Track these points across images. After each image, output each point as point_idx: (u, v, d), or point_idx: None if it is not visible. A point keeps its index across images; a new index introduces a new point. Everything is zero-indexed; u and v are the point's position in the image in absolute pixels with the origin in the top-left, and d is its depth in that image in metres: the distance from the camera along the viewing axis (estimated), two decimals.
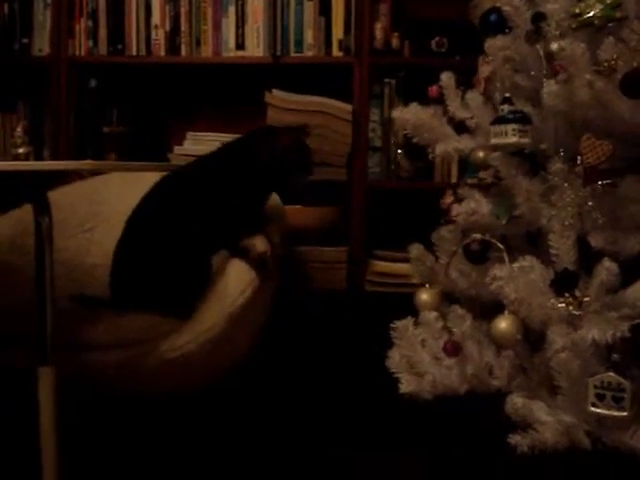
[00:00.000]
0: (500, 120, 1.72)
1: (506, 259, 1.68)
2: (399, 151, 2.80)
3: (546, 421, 1.55)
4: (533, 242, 1.81)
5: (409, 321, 1.92)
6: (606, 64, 1.53)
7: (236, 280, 1.99)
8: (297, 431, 2.27)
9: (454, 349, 1.78)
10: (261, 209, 2.19)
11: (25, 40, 2.87)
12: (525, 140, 1.69)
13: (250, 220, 2.14)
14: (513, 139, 1.69)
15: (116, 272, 2.10)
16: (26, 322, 1.73)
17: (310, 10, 2.80)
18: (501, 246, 1.73)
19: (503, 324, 1.61)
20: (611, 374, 1.47)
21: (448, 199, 2.00)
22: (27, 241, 2.13)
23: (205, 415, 2.24)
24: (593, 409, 1.49)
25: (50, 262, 1.68)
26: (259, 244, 2.07)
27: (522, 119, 1.69)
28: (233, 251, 2.05)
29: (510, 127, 1.69)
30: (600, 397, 1.48)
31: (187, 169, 2.17)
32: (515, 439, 1.57)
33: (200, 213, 2.05)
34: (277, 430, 2.28)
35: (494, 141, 1.73)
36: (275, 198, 2.33)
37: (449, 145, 1.92)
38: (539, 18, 1.72)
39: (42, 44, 2.88)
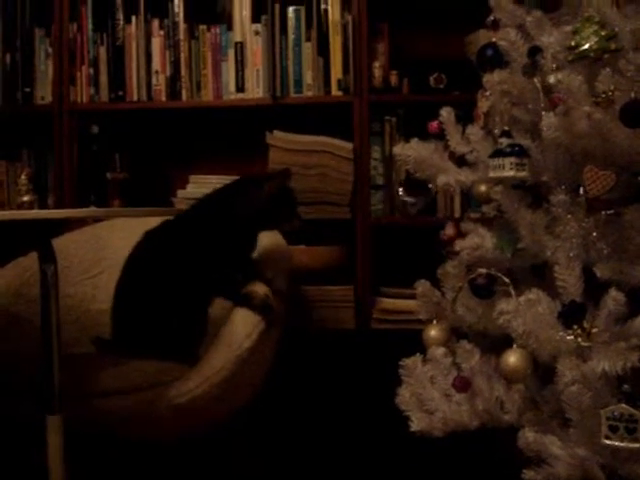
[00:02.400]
0: (497, 153, 1.72)
1: (512, 293, 1.67)
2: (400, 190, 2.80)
3: (559, 455, 1.54)
4: (539, 275, 1.80)
5: (418, 358, 1.91)
6: (604, 95, 1.54)
7: (242, 324, 1.99)
8: (307, 471, 2.25)
9: (463, 385, 1.77)
10: (250, 253, 2.20)
11: (27, 89, 2.90)
12: (522, 174, 1.70)
13: (240, 265, 2.15)
14: (510, 173, 1.69)
15: (116, 320, 2.12)
16: (33, 371, 1.72)
17: (308, 51, 2.82)
18: (507, 280, 1.73)
19: (512, 358, 1.60)
20: (623, 405, 1.46)
21: (449, 231, 2.00)
22: (33, 289, 2.14)
23: (213, 457, 2.22)
24: (606, 441, 1.47)
25: (56, 310, 1.68)
26: (260, 289, 2.07)
27: (519, 153, 1.70)
28: (236, 300, 2.06)
29: (507, 161, 1.69)
30: (613, 429, 1.46)
31: (175, 220, 2.18)
32: (529, 474, 1.55)
33: (187, 263, 2.08)
34: (286, 471, 2.26)
35: (492, 174, 1.73)
36: (280, 239, 2.33)
37: (450, 177, 1.92)
38: (535, 52, 1.74)
39: (44, 93, 2.90)
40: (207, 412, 1.96)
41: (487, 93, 1.90)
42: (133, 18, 2.87)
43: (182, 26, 2.86)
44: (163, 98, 2.88)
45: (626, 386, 1.47)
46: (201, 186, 2.87)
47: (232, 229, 2.12)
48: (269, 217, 2.17)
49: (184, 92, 2.87)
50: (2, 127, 2.89)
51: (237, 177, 2.29)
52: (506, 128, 1.78)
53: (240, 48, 2.85)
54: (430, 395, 1.85)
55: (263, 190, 2.14)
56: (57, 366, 1.67)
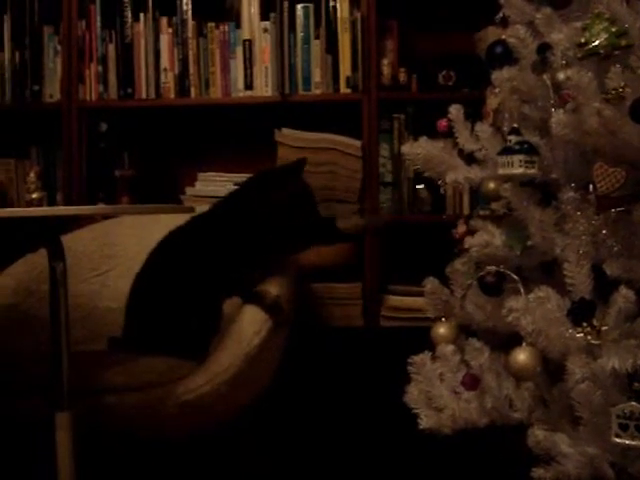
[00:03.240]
0: (506, 151, 1.72)
1: (522, 290, 1.67)
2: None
3: (569, 453, 1.53)
4: (548, 272, 1.80)
5: (426, 355, 1.91)
6: (614, 92, 1.53)
7: (250, 321, 1.99)
8: (315, 468, 2.25)
9: (473, 382, 1.77)
10: (277, 256, 2.20)
11: (36, 87, 2.90)
12: (532, 171, 1.69)
13: (262, 267, 2.16)
14: (519, 170, 1.69)
15: (129, 315, 2.13)
16: (42, 368, 1.72)
17: (317, 48, 2.82)
18: (516, 277, 1.72)
19: (522, 356, 1.60)
20: (633, 403, 1.45)
21: (461, 229, 1.99)
22: (42, 286, 2.14)
23: (221, 454, 2.22)
24: (617, 440, 1.46)
25: (65, 307, 1.68)
26: (273, 289, 2.07)
27: (529, 150, 1.69)
28: (246, 297, 2.06)
29: (516, 158, 1.69)
30: (623, 427, 1.46)
31: (200, 219, 2.19)
32: (538, 472, 1.55)
33: (210, 261, 2.09)
34: (295, 468, 2.26)
35: (501, 171, 1.73)
36: None
37: (459, 174, 1.92)
38: (545, 48, 1.73)
39: (53, 90, 2.91)
40: (215, 409, 1.96)
41: (496, 90, 1.90)
42: (141, 16, 2.87)
43: (190, 23, 2.86)
44: (172, 95, 2.88)
45: (637, 384, 1.46)
46: (209, 184, 2.88)
47: (252, 228, 2.12)
48: (290, 215, 2.17)
49: (193, 89, 2.87)
50: (11, 125, 2.90)
51: (255, 172, 2.31)
52: (515, 125, 1.77)
53: (249, 46, 2.85)
54: (439, 393, 1.85)
55: (284, 188, 2.15)
56: (66, 363, 1.67)
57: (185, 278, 2.08)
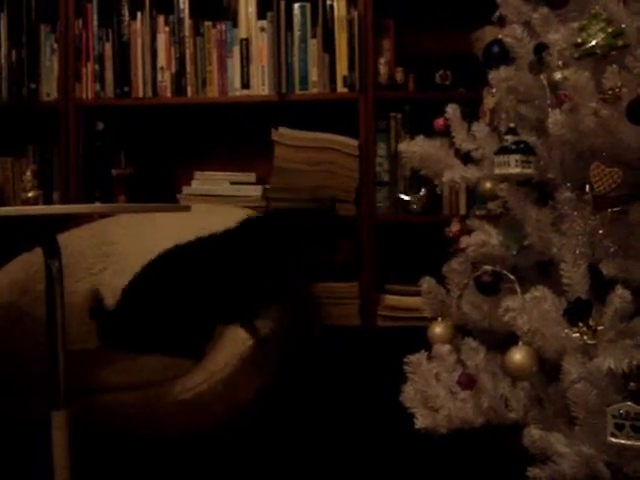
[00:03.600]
0: (503, 150, 1.72)
1: (518, 290, 1.67)
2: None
3: (564, 453, 1.53)
4: (544, 272, 1.80)
5: (422, 355, 1.91)
6: (610, 92, 1.54)
7: None
8: (312, 468, 2.25)
9: (469, 382, 1.77)
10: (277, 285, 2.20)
11: (33, 85, 2.90)
12: (528, 171, 1.69)
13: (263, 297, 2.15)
14: (516, 170, 1.69)
15: (124, 315, 2.13)
16: (39, 367, 1.72)
17: (314, 48, 2.82)
18: (512, 277, 1.73)
19: (518, 356, 1.60)
20: (629, 403, 1.46)
21: (454, 227, 1.99)
22: (38, 286, 2.14)
23: (220, 454, 2.22)
24: (612, 439, 1.47)
25: (61, 306, 1.68)
26: (263, 327, 2.05)
27: (525, 150, 1.69)
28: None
29: (513, 158, 1.69)
30: (619, 427, 1.46)
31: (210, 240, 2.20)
32: (534, 472, 1.55)
33: (215, 286, 2.10)
34: (292, 467, 2.26)
35: (497, 171, 1.73)
36: None
37: (456, 174, 1.92)
38: (541, 48, 1.73)
39: (50, 89, 2.90)
40: (212, 408, 1.96)
41: (493, 90, 1.90)
42: (138, 14, 2.87)
43: (187, 22, 2.86)
44: (168, 94, 2.87)
45: (632, 384, 1.47)
46: (206, 182, 2.88)
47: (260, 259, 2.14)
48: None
49: (189, 88, 2.87)
50: (7, 123, 2.90)
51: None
52: (512, 125, 1.77)
53: (245, 45, 2.84)
54: (435, 392, 1.84)
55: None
56: (62, 362, 1.67)
57: (188, 296, 2.07)
